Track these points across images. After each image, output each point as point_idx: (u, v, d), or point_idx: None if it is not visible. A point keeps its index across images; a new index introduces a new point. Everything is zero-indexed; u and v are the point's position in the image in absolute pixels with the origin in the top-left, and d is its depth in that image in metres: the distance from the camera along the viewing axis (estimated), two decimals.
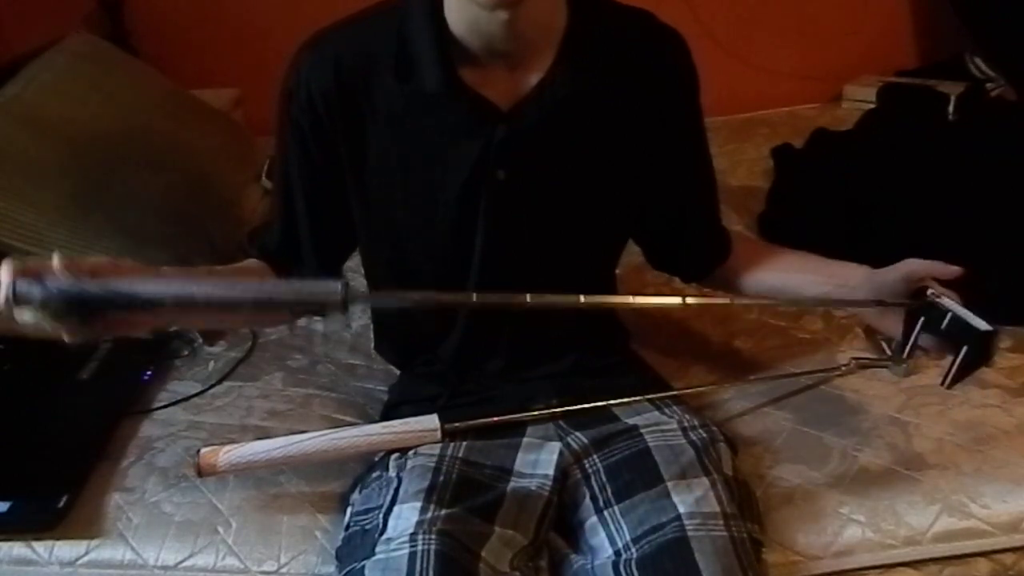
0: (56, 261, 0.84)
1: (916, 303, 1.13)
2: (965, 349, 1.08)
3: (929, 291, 1.12)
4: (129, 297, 0.86)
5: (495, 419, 1.16)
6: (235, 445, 1.15)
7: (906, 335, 1.15)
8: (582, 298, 1.02)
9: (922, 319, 1.12)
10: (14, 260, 0.84)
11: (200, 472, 1.14)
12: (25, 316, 0.84)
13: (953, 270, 1.12)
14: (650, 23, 1.14)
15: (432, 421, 1.14)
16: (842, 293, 1.20)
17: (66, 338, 0.87)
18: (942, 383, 1.10)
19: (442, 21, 1.04)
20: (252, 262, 1.19)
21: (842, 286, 1.20)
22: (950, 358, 1.09)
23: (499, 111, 1.07)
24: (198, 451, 1.14)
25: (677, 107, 1.17)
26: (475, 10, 0.99)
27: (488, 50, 1.04)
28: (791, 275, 1.25)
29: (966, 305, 1.10)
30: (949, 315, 1.09)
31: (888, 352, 1.39)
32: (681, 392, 1.26)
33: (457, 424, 1.14)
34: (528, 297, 0.96)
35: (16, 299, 0.82)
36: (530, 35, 1.04)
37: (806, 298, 1.30)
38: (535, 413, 1.17)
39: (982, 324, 1.07)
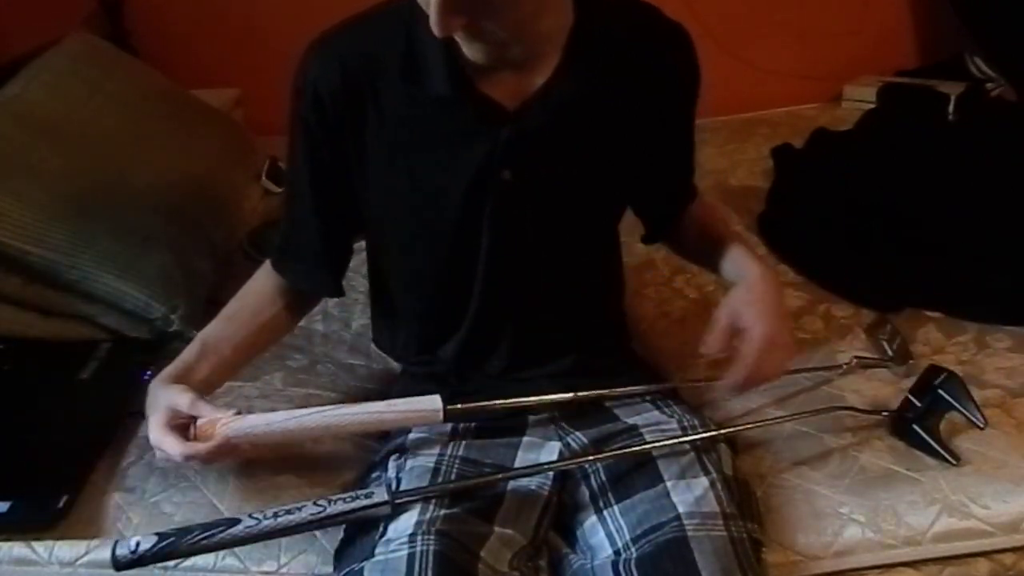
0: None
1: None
2: (942, 393, 1.20)
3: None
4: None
5: (498, 402, 1.15)
6: (234, 418, 1.10)
7: (927, 448, 1.22)
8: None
9: (918, 428, 1.22)
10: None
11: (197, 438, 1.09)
12: None
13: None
14: (654, 19, 1.14)
15: (435, 402, 1.11)
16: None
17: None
18: (979, 427, 1.19)
19: None
20: (263, 309, 1.22)
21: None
22: (954, 413, 1.20)
23: (505, 112, 1.07)
24: (194, 420, 1.09)
25: (678, 102, 1.18)
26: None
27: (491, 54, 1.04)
28: (702, 243, 1.28)
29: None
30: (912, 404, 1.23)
31: (889, 352, 1.40)
32: (676, 385, 1.27)
33: (459, 406, 1.12)
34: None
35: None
36: (531, 38, 1.03)
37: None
38: (538, 399, 1.16)
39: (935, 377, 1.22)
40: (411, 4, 1.05)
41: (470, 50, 1.01)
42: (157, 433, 1.05)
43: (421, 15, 1.03)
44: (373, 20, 1.09)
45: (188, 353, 1.15)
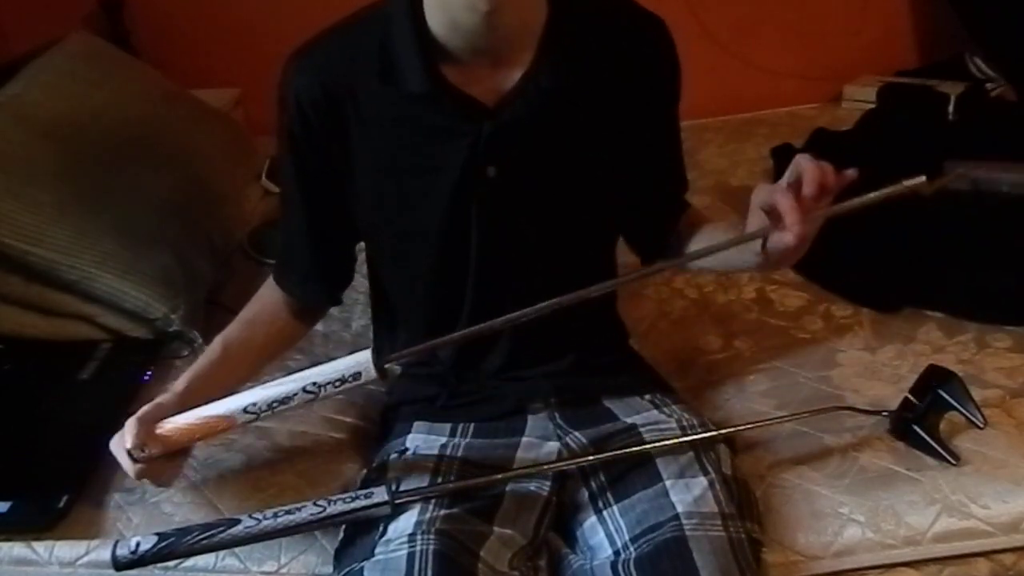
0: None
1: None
2: (942, 393, 1.19)
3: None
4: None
5: (433, 342, 1.08)
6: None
7: (927, 448, 1.21)
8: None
9: (918, 428, 1.21)
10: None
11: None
12: None
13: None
14: (629, 9, 1.14)
15: (365, 358, 1.02)
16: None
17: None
18: (979, 427, 1.18)
19: (422, 23, 1.04)
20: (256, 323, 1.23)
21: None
22: (954, 413, 1.19)
23: (485, 108, 1.07)
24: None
25: (658, 91, 1.17)
26: (455, 8, 1.00)
27: (469, 49, 1.04)
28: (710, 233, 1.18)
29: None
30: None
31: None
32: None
33: (392, 356, 1.05)
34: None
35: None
36: (510, 31, 1.04)
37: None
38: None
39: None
40: (387, 7, 1.06)
41: (482, 28, 0.99)
42: (115, 444, 1.06)
43: (397, 17, 1.04)
44: (349, 27, 1.10)
45: (208, 356, 1.17)
